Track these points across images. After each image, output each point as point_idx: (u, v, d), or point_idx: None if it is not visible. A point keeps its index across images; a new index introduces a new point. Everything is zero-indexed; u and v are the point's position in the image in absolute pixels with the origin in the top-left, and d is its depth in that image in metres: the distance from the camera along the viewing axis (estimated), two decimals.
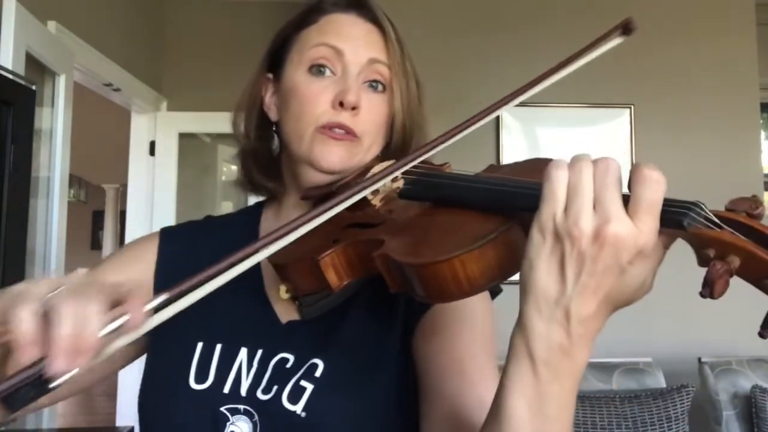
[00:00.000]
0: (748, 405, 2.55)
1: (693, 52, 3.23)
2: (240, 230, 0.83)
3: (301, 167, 0.75)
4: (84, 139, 3.62)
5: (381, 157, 0.78)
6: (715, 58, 3.23)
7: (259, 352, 0.70)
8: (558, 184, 0.45)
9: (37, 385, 0.40)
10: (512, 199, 0.50)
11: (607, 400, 2.46)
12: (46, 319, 0.40)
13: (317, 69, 0.74)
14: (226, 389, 0.68)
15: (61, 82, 2.43)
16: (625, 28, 0.59)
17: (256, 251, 0.49)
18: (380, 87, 0.76)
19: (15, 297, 0.42)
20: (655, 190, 0.43)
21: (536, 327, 0.45)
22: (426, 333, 0.70)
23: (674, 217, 0.43)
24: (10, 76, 1.95)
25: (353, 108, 0.72)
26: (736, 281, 0.42)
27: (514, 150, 3.16)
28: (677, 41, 3.24)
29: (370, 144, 0.76)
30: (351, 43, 0.75)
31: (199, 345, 0.71)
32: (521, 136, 3.18)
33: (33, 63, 2.19)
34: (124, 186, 3.75)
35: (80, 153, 3.64)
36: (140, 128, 3.47)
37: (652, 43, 3.22)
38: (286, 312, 0.74)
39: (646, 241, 0.43)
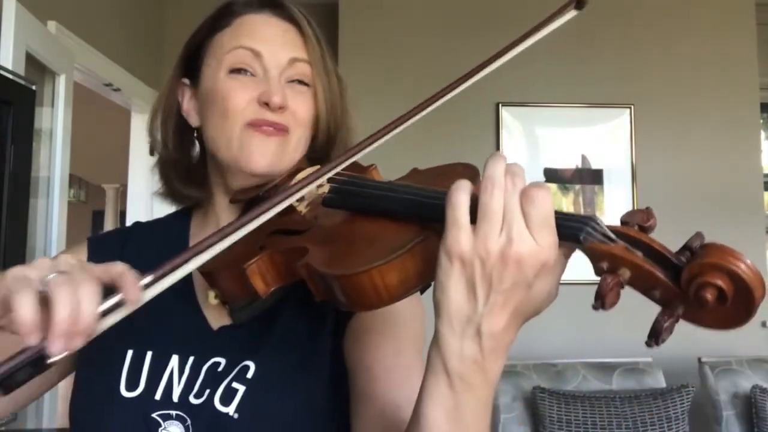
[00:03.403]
0: (748, 405, 2.55)
1: (693, 52, 3.24)
2: (168, 237, 0.82)
3: (230, 172, 0.74)
4: (84, 139, 3.62)
5: (307, 157, 0.77)
6: (715, 58, 3.23)
7: (191, 359, 0.69)
8: (460, 210, 0.47)
9: (34, 364, 0.43)
10: (425, 210, 0.52)
11: (607, 400, 2.46)
12: (45, 302, 0.42)
13: (237, 71, 0.72)
14: (158, 396, 0.67)
15: (61, 82, 2.42)
16: (579, 2, 0.60)
17: (186, 261, 0.51)
18: (304, 85, 0.75)
19: (13, 282, 0.44)
20: (542, 205, 0.45)
21: (450, 344, 0.48)
22: (355, 333, 0.70)
23: (571, 232, 0.46)
24: (10, 76, 1.95)
25: (280, 108, 0.71)
26: None
27: (514, 150, 3.16)
28: (677, 41, 3.24)
29: (298, 139, 0.74)
30: (268, 44, 0.73)
31: (129, 353, 0.70)
32: (521, 136, 3.19)
33: (33, 63, 2.19)
34: (124, 186, 3.75)
35: (80, 153, 3.64)
36: (140, 128, 3.46)
37: (652, 43, 3.23)
38: (217, 317, 0.73)
39: (548, 255, 0.46)
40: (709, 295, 0.41)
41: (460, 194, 0.47)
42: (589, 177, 3.17)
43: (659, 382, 2.64)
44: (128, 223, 3.70)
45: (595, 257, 0.45)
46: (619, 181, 3.16)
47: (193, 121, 0.78)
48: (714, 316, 0.43)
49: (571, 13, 0.61)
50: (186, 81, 0.79)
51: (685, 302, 0.43)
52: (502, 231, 0.46)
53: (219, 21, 0.76)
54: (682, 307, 0.43)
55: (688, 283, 0.42)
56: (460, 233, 0.46)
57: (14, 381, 0.43)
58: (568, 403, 2.46)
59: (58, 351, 0.42)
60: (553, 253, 0.46)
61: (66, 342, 0.42)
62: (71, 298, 0.42)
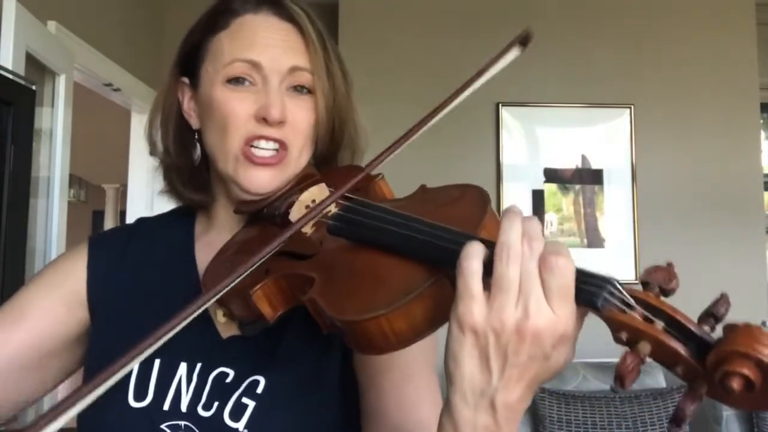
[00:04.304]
0: None
1: (693, 52, 3.24)
2: (173, 237, 0.80)
3: (230, 185, 0.73)
4: (84, 139, 3.62)
5: (313, 158, 0.76)
6: (715, 58, 3.23)
7: (198, 366, 0.68)
8: (473, 280, 0.44)
9: None
10: (437, 254, 0.49)
11: (607, 400, 2.46)
12: None
13: (235, 81, 0.70)
14: (166, 406, 0.66)
15: (61, 82, 2.42)
16: (523, 40, 0.59)
17: (189, 315, 0.49)
18: (305, 90, 0.72)
19: None
20: (563, 275, 0.43)
21: (463, 415, 0.46)
22: None
23: (588, 298, 0.44)
24: (10, 76, 1.95)
25: (279, 122, 0.69)
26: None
27: (514, 150, 3.16)
28: (677, 41, 3.24)
29: (300, 151, 0.72)
30: (268, 52, 0.70)
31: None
32: (521, 136, 3.19)
33: (33, 63, 2.18)
34: (124, 186, 3.74)
35: (80, 153, 3.63)
36: (140, 128, 3.44)
37: (652, 44, 3.23)
38: (226, 327, 0.71)
39: (566, 326, 0.44)
40: (736, 385, 0.39)
41: (473, 262, 0.44)
42: (589, 177, 3.17)
43: (659, 382, 2.64)
44: (128, 222, 3.69)
45: (613, 327, 0.43)
46: (619, 181, 3.16)
47: (194, 123, 0.76)
48: (739, 401, 0.41)
49: (516, 52, 0.60)
50: (185, 80, 0.77)
51: (709, 382, 0.41)
52: (518, 303, 0.43)
53: (216, 20, 0.73)
54: (706, 386, 0.41)
55: (713, 368, 0.40)
56: (473, 304, 0.44)
57: None
58: (568, 403, 2.46)
59: None
60: (572, 321, 0.44)
61: None
62: None
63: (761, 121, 3.41)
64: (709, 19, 3.26)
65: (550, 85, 3.17)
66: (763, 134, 3.60)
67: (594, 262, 3.04)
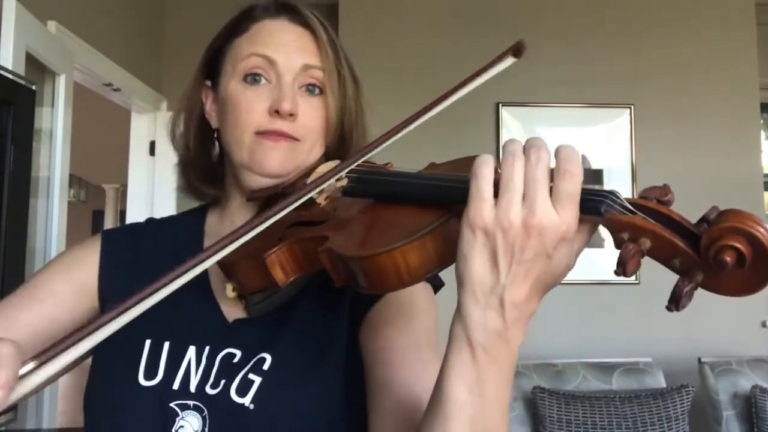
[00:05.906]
0: (748, 405, 2.55)
1: (693, 52, 3.24)
2: (183, 232, 0.84)
3: (244, 172, 0.76)
4: (84, 139, 3.62)
5: (325, 158, 0.79)
6: (715, 58, 3.23)
7: (207, 349, 0.71)
8: (484, 182, 0.48)
9: None
10: (447, 193, 0.53)
11: (607, 400, 2.46)
12: None
13: (252, 78, 0.75)
14: (176, 386, 0.69)
15: (61, 82, 2.42)
16: (516, 51, 0.61)
17: (199, 263, 0.50)
18: (317, 90, 0.77)
19: None
20: (574, 182, 0.47)
21: (473, 315, 0.49)
22: (372, 326, 0.72)
23: (593, 205, 0.47)
24: (10, 76, 1.95)
25: (290, 115, 0.73)
26: None
27: None
28: (677, 41, 3.24)
29: (312, 146, 0.77)
30: (283, 50, 0.75)
31: (147, 342, 0.71)
32: (521, 136, 3.18)
33: (33, 63, 2.18)
34: (124, 186, 3.74)
35: (80, 153, 3.63)
36: (140, 128, 3.46)
37: (652, 43, 3.23)
38: (232, 310, 0.75)
39: (568, 228, 0.47)
40: (728, 258, 0.41)
41: (484, 167, 0.48)
42: (589, 177, 3.17)
43: (659, 382, 2.64)
44: (128, 222, 3.69)
45: (615, 228, 0.46)
46: (619, 181, 3.16)
47: (214, 123, 0.81)
48: (733, 281, 0.43)
49: (510, 61, 0.62)
50: (209, 83, 0.82)
51: (705, 269, 0.43)
52: (525, 202, 0.47)
53: (238, 26, 0.79)
54: (701, 274, 0.44)
55: (707, 249, 0.42)
56: (483, 205, 0.47)
57: None
58: (568, 403, 2.46)
59: None
60: (573, 226, 0.47)
61: None
62: None
63: (761, 121, 3.41)
64: (709, 19, 3.26)
65: (550, 85, 3.17)
66: (763, 134, 3.60)
67: (594, 262, 3.04)
